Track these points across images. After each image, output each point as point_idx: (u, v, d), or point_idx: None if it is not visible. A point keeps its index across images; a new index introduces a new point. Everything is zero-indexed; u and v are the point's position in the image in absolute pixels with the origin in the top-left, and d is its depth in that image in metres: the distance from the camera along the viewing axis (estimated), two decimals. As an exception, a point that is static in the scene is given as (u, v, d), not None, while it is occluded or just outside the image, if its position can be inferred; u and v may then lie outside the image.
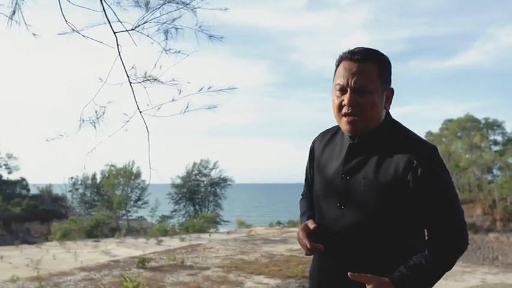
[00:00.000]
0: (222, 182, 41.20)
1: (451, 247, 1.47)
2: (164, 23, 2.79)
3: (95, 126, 2.79)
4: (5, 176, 37.82)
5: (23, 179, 37.78)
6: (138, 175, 35.56)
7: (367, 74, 1.47)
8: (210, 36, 2.83)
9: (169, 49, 2.80)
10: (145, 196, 36.95)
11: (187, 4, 2.74)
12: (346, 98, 1.48)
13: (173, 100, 2.65)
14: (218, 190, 41.05)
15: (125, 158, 34.43)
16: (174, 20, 2.80)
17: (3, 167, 38.08)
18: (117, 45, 2.72)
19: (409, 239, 1.50)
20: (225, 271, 10.78)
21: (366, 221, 1.49)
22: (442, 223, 1.47)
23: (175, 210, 39.30)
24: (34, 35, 2.80)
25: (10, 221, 29.38)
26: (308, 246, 1.55)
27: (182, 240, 17.31)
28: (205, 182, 41.28)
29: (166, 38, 2.84)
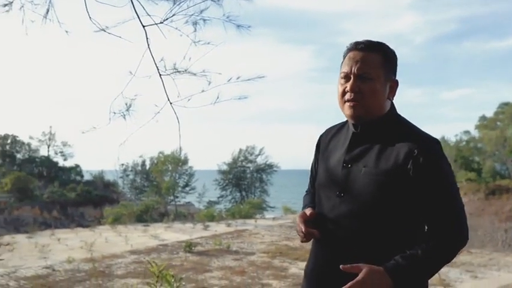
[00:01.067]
0: (267, 168, 41.40)
1: (449, 239, 1.43)
2: (192, 14, 2.79)
3: (124, 117, 2.85)
4: (61, 162, 39.77)
5: (77, 166, 39.57)
6: (185, 161, 36.28)
7: (371, 62, 1.51)
8: (238, 26, 2.81)
9: (199, 40, 2.80)
10: (193, 182, 37.66)
11: None
12: (349, 85, 1.52)
13: (203, 91, 2.66)
14: (264, 176, 41.30)
15: (172, 145, 35.14)
16: (201, 11, 2.80)
17: (59, 154, 40.03)
18: (146, 38, 2.75)
19: (408, 231, 1.46)
20: (270, 257, 10.82)
21: (363, 209, 1.46)
22: (441, 214, 1.42)
23: (221, 196, 39.91)
24: (66, 32, 2.88)
25: (66, 206, 30.81)
26: (303, 230, 1.55)
27: (228, 225, 17.53)
28: (251, 168, 41.65)
29: (195, 30, 2.84)
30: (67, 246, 12.15)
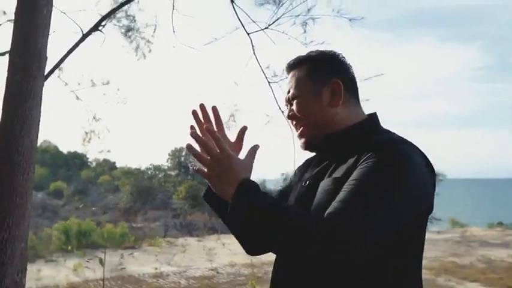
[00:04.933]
0: (431, 177, 38.73)
1: (317, 227, 1.02)
2: (298, 15, 2.70)
3: (229, 128, 2.86)
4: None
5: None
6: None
7: (296, 79, 1.32)
8: (350, 20, 2.62)
9: (311, 41, 2.69)
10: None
11: None
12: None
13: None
14: (428, 186, 38.73)
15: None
16: (309, 10, 2.68)
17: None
18: (252, 46, 2.74)
19: (377, 262, 1.10)
20: (434, 274, 9.99)
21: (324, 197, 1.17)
22: (336, 203, 1.06)
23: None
24: (187, 46, 3.03)
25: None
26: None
27: (387, 237, 16.76)
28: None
29: (305, 31, 2.72)
30: (230, 250, 12.97)
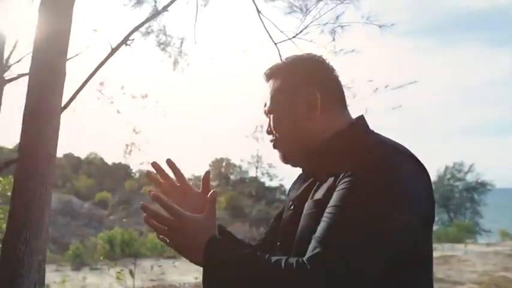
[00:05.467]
0: (480, 187, 37.23)
1: (297, 269, 0.92)
2: (326, 23, 2.63)
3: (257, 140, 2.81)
4: (267, 183, 42.98)
5: (281, 186, 42.12)
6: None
7: (270, 92, 1.22)
8: (380, 26, 2.54)
9: (341, 49, 2.61)
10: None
11: None
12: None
13: (348, 105, 2.49)
14: (475, 196, 37.23)
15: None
16: (337, 17, 2.61)
17: (266, 175, 43.36)
18: (280, 56, 2.69)
19: None
20: (483, 288, 9.56)
21: (296, 254, 1.02)
22: (316, 242, 0.95)
23: (427, 218, 37.41)
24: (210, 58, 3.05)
25: (272, 223, 32.82)
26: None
27: (434, 249, 16.15)
28: (460, 187, 38.16)
29: (334, 39, 2.65)
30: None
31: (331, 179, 1.06)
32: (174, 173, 1.26)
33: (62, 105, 4.52)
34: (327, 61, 1.22)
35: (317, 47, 2.61)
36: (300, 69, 1.21)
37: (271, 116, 1.21)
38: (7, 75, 5.93)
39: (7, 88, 5.44)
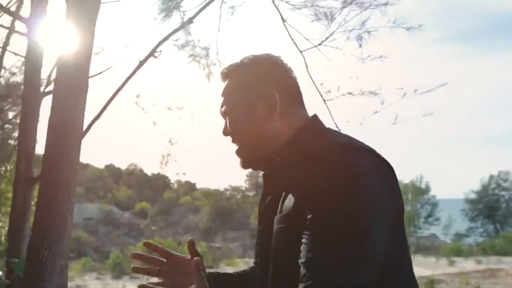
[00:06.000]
0: (527, 197, 35.72)
1: None
2: (352, 29, 2.57)
3: None
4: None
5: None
6: (427, 190, 34.42)
7: (225, 94, 1.16)
8: (408, 29, 2.46)
9: (368, 56, 2.55)
10: (437, 212, 35.25)
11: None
12: None
13: (376, 112, 2.42)
14: (524, 206, 35.74)
15: (411, 173, 33.99)
16: (363, 22, 2.55)
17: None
18: (305, 64, 2.65)
19: None
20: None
21: (277, 272, 1.02)
22: (303, 264, 0.93)
23: (471, 229, 36.09)
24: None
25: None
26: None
27: (478, 262, 15.61)
28: (506, 197, 36.69)
29: (360, 46, 2.59)
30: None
31: (295, 189, 1.04)
32: (156, 251, 1.26)
33: (94, 116, 4.68)
34: (284, 61, 1.18)
35: (343, 54, 2.58)
36: (257, 69, 1.16)
37: (228, 117, 1.16)
38: (48, 89, 6.16)
39: (46, 101, 5.64)
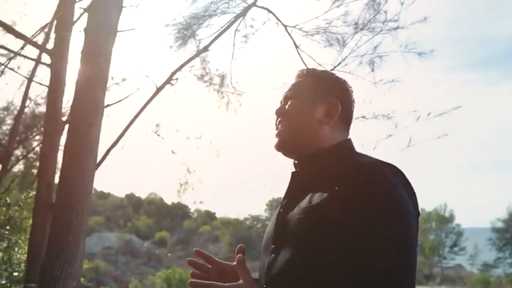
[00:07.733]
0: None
1: None
2: (364, 54, 2.59)
3: None
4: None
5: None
6: (451, 218, 33.60)
7: (301, 84, 1.31)
8: (420, 54, 2.46)
9: (381, 80, 2.55)
10: (462, 242, 34.25)
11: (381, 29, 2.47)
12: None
13: (390, 136, 2.39)
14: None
15: (435, 201, 33.26)
16: (375, 47, 2.57)
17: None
18: None
19: None
20: None
21: (298, 264, 1.07)
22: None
23: (499, 259, 34.80)
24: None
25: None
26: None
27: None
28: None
29: (373, 70, 2.60)
30: None
31: (319, 194, 1.10)
32: (203, 258, 1.34)
33: (112, 143, 4.75)
34: (351, 88, 1.34)
35: (356, 78, 2.60)
36: (335, 82, 1.32)
37: (292, 101, 1.28)
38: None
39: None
